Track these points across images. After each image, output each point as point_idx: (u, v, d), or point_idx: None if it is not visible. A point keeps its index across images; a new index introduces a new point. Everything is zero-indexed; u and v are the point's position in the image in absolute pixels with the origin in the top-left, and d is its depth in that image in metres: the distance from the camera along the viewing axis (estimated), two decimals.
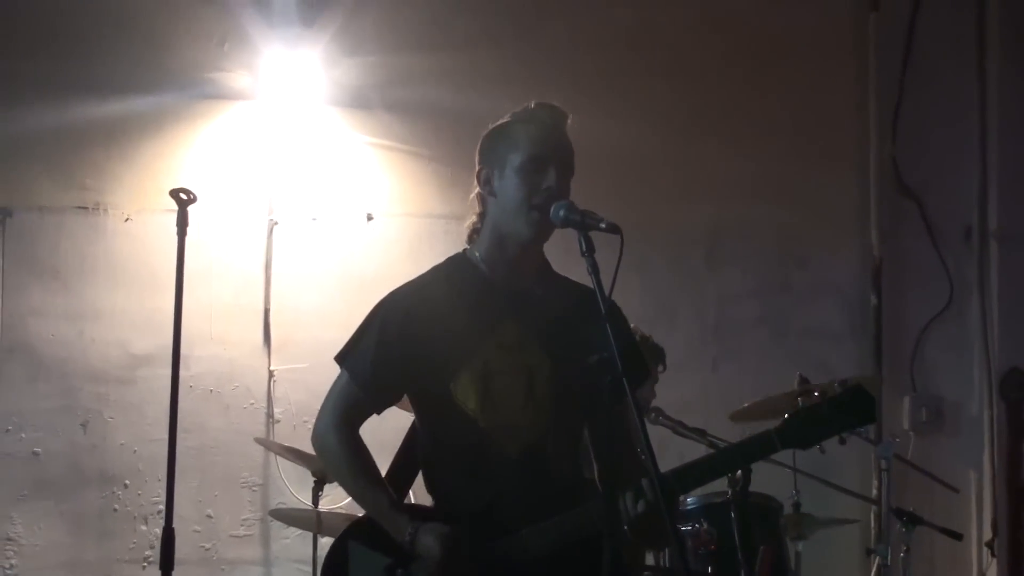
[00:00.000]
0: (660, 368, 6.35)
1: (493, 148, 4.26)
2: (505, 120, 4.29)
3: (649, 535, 4.08)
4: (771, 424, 4.09)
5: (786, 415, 4.14)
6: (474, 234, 4.34)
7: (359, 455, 4.37)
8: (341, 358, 4.40)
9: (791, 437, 4.06)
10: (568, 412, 4.29)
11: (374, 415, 4.44)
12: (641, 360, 4.49)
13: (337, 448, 4.36)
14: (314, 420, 4.94)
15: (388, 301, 4.39)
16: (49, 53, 6.92)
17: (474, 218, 4.35)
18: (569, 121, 4.28)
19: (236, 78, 7.13)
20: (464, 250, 4.39)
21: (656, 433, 5.14)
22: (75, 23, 6.99)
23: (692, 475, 4.11)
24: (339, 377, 4.40)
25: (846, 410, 4.13)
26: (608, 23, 7.41)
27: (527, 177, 4.14)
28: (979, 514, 7.67)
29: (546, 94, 4.28)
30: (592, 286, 4.01)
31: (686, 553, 5.99)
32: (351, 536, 4.53)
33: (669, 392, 6.27)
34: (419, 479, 4.51)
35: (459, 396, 4.26)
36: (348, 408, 4.37)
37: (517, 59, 7.15)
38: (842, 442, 4.93)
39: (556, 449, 4.29)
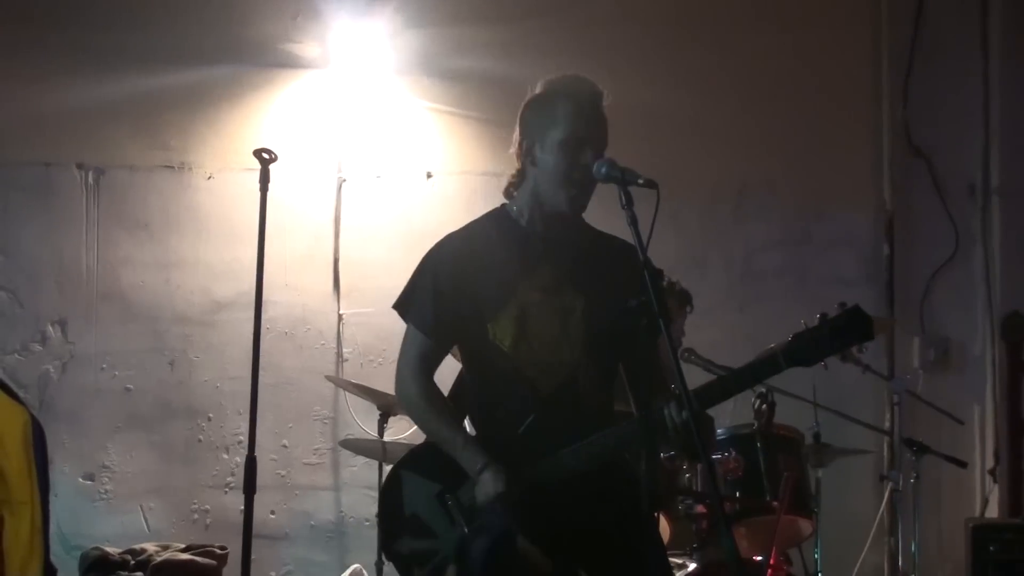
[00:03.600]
0: (688, 309, 6.38)
1: (535, 120, 4.29)
2: (544, 90, 4.32)
3: (689, 443, 4.11)
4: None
5: (790, 336, 4.19)
6: (511, 188, 4.39)
7: (436, 401, 4.44)
8: (402, 309, 4.47)
9: (795, 356, 4.11)
10: (600, 350, 4.32)
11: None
12: (666, 306, 4.30)
13: (417, 397, 4.42)
14: (379, 359, 5.10)
15: (435, 251, 4.46)
16: (138, 26, 7.01)
17: (514, 175, 4.39)
18: (606, 99, 4.31)
19: (307, 48, 7.24)
20: (503, 204, 4.45)
21: (688, 370, 4.95)
22: (158, 2, 7.14)
23: (710, 393, 4.17)
24: (407, 331, 4.46)
25: (845, 329, 4.12)
26: (646, 0, 7.50)
27: (567, 154, 4.19)
28: (982, 444, 7.77)
29: (588, 63, 4.36)
30: (623, 239, 4.16)
31: (716, 475, 6.08)
32: (404, 466, 4.62)
33: (700, 334, 6.37)
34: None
35: (497, 335, 4.31)
36: (421, 357, 4.43)
37: (563, 30, 7.19)
38: (843, 359, 5.18)
39: (587, 384, 4.33)
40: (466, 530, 4.27)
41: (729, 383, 4.31)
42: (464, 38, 7.34)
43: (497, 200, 4.53)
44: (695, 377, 5.25)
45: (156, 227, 7.18)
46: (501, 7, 7.32)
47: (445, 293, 4.36)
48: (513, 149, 4.37)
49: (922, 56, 7.88)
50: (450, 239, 4.46)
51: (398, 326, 4.49)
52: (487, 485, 4.22)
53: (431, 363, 4.45)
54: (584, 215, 4.42)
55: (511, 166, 4.47)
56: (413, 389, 4.42)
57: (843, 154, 7.85)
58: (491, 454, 4.31)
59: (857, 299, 6.92)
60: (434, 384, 4.46)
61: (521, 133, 4.30)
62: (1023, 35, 7.91)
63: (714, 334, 6.77)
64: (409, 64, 7.39)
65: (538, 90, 4.33)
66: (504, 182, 4.68)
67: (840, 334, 4.10)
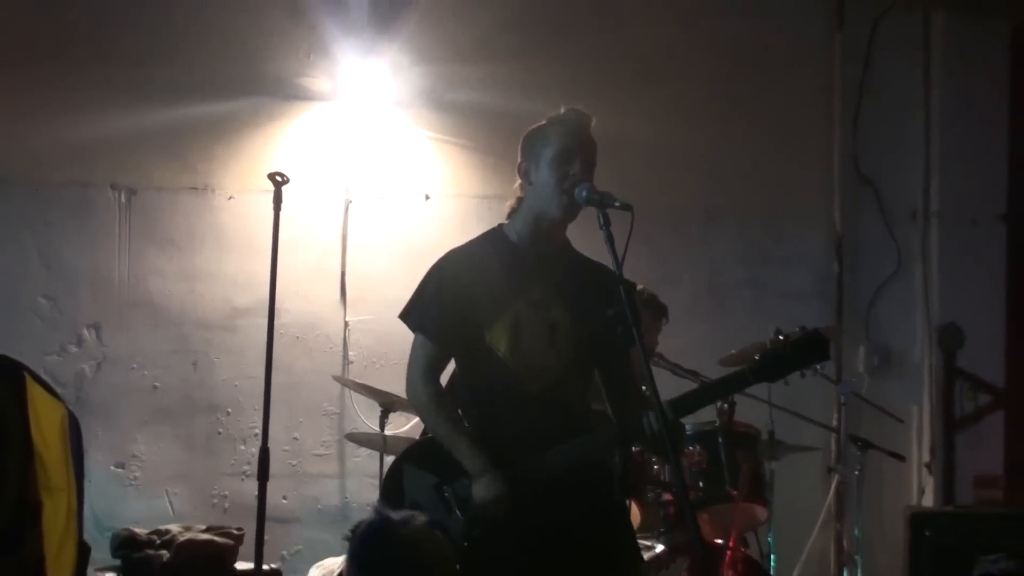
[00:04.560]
0: (664, 321, 6.62)
1: (531, 145, 4.45)
2: (542, 123, 4.47)
3: (662, 447, 4.16)
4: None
5: (757, 355, 4.41)
6: (512, 213, 4.54)
7: (443, 403, 4.58)
8: (407, 317, 4.63)
9: (761, 373, 4.35)
10: (583, 358, 4.49)
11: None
12: (639, 316, 4.51)
13: (427, 398, 4.56)
14: (381, 362, 5.34)
15: (440, 264, 4.59)
16: (168, 62, 7.14)
17: (513, 201, 4.55)
18: (593, 122, 4.48)
19: (318, 83, 7.37)
20: (501, 225, 4.60)
21: (657, 373, 5.38)
22: (188, 38, 7.22)
23: (685, 403, 4.39)
24: (415, 339, 4.60)
25: (805, 350, 4.35)
26: (623, 42, 7.63)
27: (558, 168, 4.34)
28: (919, 440, 8.05)
29: (573, 99, 4.52)
30: (603, 262, 4.35)
31: (683, 468, 6.15)
32: (405, 459, 4.78)
33: (671, 341, 6.60)
34: None
35: (493, 341, 4.47)
36: (428, 362, 4.59)
37: (548, 69, 7.29)
38: (803, 376, 4.81)
39: (572, 388, 4.52)
40: (460, 516, 4.42)
41: (703, 395, 4.60)
42: (461, 74, 7.46)
43: (489, 220, 4.73)
44: (663, 379, 5.77)
45: (182, 242, 7.27)
46: (494, 47, 7.40)
47: (448, 304, 4.51)
48: (516, 184, 4.56)
49: (870, 93, 8.11)
50: (452, 255, 4.61)
51: (398, 332, 4.68)
52: (486, 488, 4.38)
53: (437, 368, 4.62)
54: (568, 236, 4.59)
55: (502, 189, 4.76)
56: (423, 391, 4.57)
57: (798, 181, 8.09)
58: (490, 457, 4.45)
59: (809, 311, 7.49)
60: (441, 387, 4.63)
61: (521, 157, 4.48)
62: (962, 75, 8.16)
63: (682, 341, 6.90)
64: (411, 97, 7.50)
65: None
66: (494, 204, 4.86)
67: (801, 356, 4.37)
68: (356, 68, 7.33)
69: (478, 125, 7.43)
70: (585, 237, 4.45)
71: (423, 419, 4.82)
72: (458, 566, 4.24)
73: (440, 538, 3.84)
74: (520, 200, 4.54)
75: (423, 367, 4.58)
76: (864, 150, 8.15)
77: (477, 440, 4.49)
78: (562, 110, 4.51)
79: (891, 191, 8.20)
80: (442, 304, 4.52)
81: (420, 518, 3.82)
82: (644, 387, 4.48)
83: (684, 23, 7.78)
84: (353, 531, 3.76)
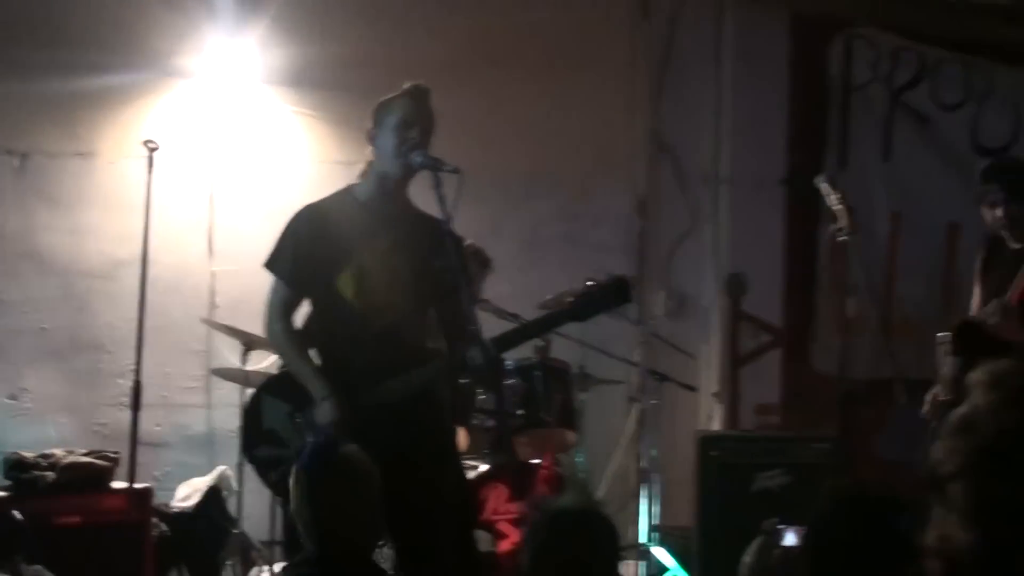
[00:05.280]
0: (489, 271, 6.85)
1: (378, 114, 4.67)
2: (389, 96, 4.69)
3: (486, 378, 4.67)
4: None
5: (569, 299, 4.73)
6: (362, 175, 4.78)
7: (293, 339, 4.82)
8: (270, 266, 4.81)
9: (573, 314, 4.66)
10: (419, 301, 4.76)
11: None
12: (467, 265, 4.91)
13: (280, 334, 4.81)
14: (244, 307, 5.37)
15: (296, 217, 4.82)
16: (57, 42, 7.15)
17: (364, 165, 4.78)
18: (431, 97, 4.72)
19: (189, 60, 7.46)
20: (351, 185, 4.84)
21: (484, 317, 5.64)
22: (76, 20, 7.24)
23: (506, 340, 4.70)
24: (273, 283, 4.82)
25: (611, 294, 4.63)
26: (459, 28, 7.79)
27: (399, 133, 4.60)
28: (708, 374, 8.42)
29: (417, 76, 4.79)
30: (437, 216, 4.59)
31: (505, 398, 6.55)
32: (263, 391, 5.00)
33: (495, 287, 6.90)
34: None
35: (342, 286, 4.69)
36: (283, 303, 4.82)
37: (394, 51, 7.32)
38: (609, 315, 5.20)
39: (409, 326, 4.77)
40: (309, 440, 4.46)
41: (522, 334, 4.93)
42: (320, 55, 7.49)
43: (343, 182, 4.97)
44: (489, 321, 5.85)
45: (68, 201, 7.38)
46: (348, 32, 7.50)
47: (302, 253, 4.73)
48: (368, 149, 4.76)
49: (670, 72, 8.42)
50: (306, 210, 4.82)
51: (259, 280, 4.92)
52: (329, 412, 4.60)
53: (290, 308, 4.84)
54: (408, 194, 4.80)
55: (352, 155, 5.05)
56: (277, 328, 4.80)
57: (607, 149, 8.31)
58: (333, 385, 4.64)
59: (615, 262, 7.44)
60: (292, 325, 4.83)
61: (371, 124, 4.69)
62: (749, 58, 8.48)
63: (505, 288, 7.12)
64: (274, 74, 7.62)
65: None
66: (348, 169, 5.05)
67: (607, 299, 4.64)
68: (224, 46, 7.41)
69: (335, 99, 7.48)
70: (426, 196, 4.67)
71: (277, 352, 5.13)
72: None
73: (366, 457, 3.96)
74: (369, 164, 4.75)
75: (279, 307, 4.81)
76: (664, 122, 8.43)
77: (325, 371, 4.69)
78: (406, 85, 4.71)
79: (687, 159, 8.50)
80: (297, 253, 4.75)
81: (349, 443, 4.01)
82: (471, 327, 4.60)
83: (511, 11, 7.89)
84: (299, 453, 3.98)
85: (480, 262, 6.80)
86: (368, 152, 4.77)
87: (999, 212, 6.00)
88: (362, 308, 4.72)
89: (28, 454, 6.38)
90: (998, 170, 6.24)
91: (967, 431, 2.11)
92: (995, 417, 2.13)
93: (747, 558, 5.83)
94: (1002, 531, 2.06)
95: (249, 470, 5.20)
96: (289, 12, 7.48)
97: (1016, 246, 6.03)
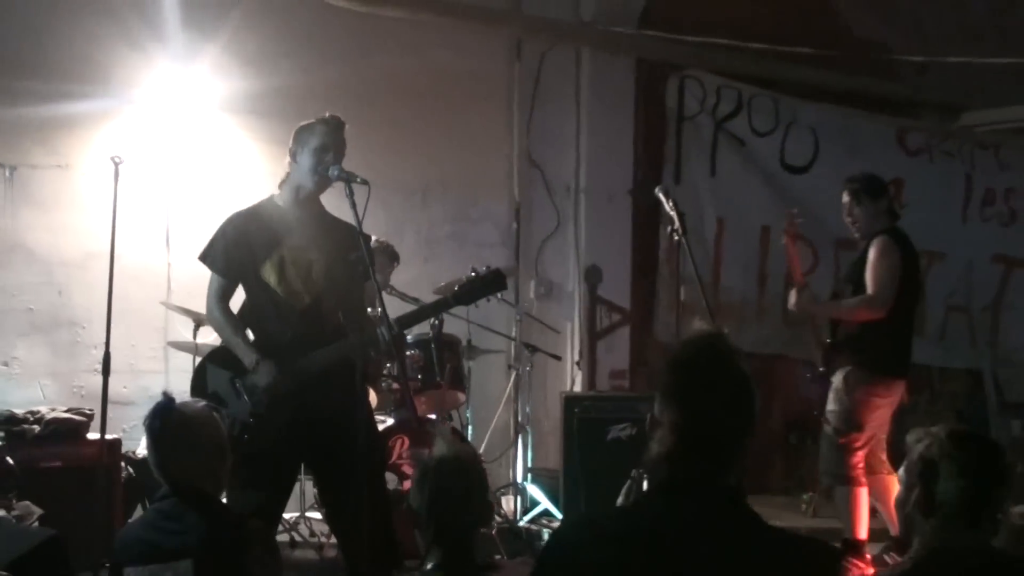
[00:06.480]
0: (395, 263, 7.35)
1: (300, 135, 4.96)
2: (311, 121, 4.97)
3: (391, 350, 4.71)
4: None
5: (457, 287, 5.00)
6: (282, 185, 5.06)
7: (229, 318, 5.07)
8: (203, 258, 5.05)
9: (461, 298, 4.99)
10: (333, 286, 4.96)
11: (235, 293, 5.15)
12: (373, 258, 4.86)
13: (218, 316, 5.08)
14: (196, 292, 5.37)
15: (226, 221, 5.05)
16: (37, 73, 7.49)
17: (284, 176, 5.07)
18: (346, 126, 5.00)
19: (146, 87, 7.86)
20: (272, 195, 5.09)
21: (390, 300, 6.20)
22: (48, 58, 7.59)
23: (407, 319, 4.99)
24: (211, 275, 5.08)
25: (491, 283, 4.96)
26: (370, 66, 8.23)
27: (317, 154, 4.88)
28: (571, 346, 8.92)
29: (335, 107, 5.11)
30: (348, 221, 4.78)
31: (406, 365, 6.92)
32: (208, 360, 5.20)
33: (400, 277, 7.43)
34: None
35: (266, 275, 4.95)
36: (219, 290, 5.09)
37: (317, 84, 7.74)
38: (488, 301, 5.29)
39: (326, 308, 4.99)
40: (247, 400, 4.82)
41: (420, 314, 5.21)
42: (256, 86, 7.97)
43: (267, 193, 5.19)
44: (394, 304, 6.30)
45: (49, 205, 7.76)
46: (275, 65, 7.92)
47: (231, 249, 4.99)
48: (286, 162, 5.05)
49: (539, 104, 8.92)
50: (234, 216, 5.08)
51: (207, 271, 5.18)
52: (261, 376, 4.85)
53: (226, 294, 5.09)
54: (323, 202, 5.08)
55: (277, 170, 5.26)
56: (215, 310, 5.08)
57: (489, 165, 8.88)
58: (262, 353, 4.86)
59: (495, 256, 8.12)
60: (228, 307, 5.09)
61: (292, 143, 4.97)
62: (602, 93, 8.98)
63: (408, 277, 7.62)
64: (221, 99, 8.04)
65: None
66: (272, 180, 5.26)
67: (487, 286, 4.95)
68: (171, 74, 7.83)
69: (265, 124, 7.93)
70: (341, 203, 4.86)
71: (215, 330, 5.26)
72: (245, 436, 4.81)
73: (214, 419, 4.02)
74: (288, 175, 5.04)
75: (216, 293, 5.09)
76: (535, 144, 8.93)
77: (259, 346, 4.92)
78: (326, 114, 5.01)
79: (553, 173, 9.00)
80: (227, 249, 5.02)
81: (201, 403, 4.10)
82: (377, 309, 4.84)
83: (410, 53, 8.37)
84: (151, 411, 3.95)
85: (389, 256, 7.26)
86: (286, 164, 5.05)
87: (845, 214, 6.53)
88: (284, 293, 4.95)
89: (18, 411, 6.71)
90: (847, 181, 6.64)
91: None
92: None
93: (620, 499, 6.20)
94: None
95: None
96: (234, 46, 7.88)
97: (863, 241, 6.51)
